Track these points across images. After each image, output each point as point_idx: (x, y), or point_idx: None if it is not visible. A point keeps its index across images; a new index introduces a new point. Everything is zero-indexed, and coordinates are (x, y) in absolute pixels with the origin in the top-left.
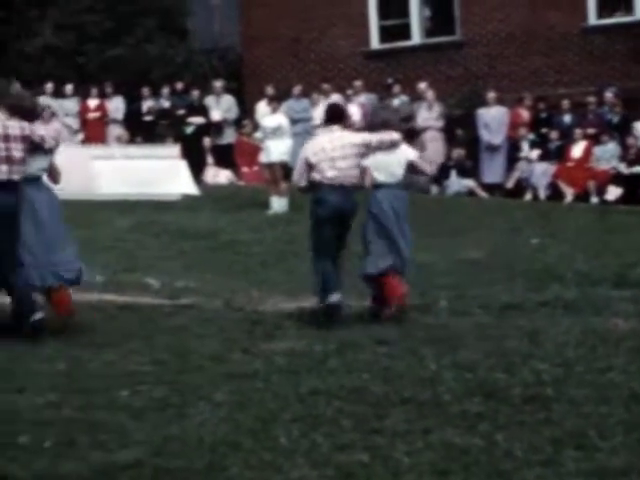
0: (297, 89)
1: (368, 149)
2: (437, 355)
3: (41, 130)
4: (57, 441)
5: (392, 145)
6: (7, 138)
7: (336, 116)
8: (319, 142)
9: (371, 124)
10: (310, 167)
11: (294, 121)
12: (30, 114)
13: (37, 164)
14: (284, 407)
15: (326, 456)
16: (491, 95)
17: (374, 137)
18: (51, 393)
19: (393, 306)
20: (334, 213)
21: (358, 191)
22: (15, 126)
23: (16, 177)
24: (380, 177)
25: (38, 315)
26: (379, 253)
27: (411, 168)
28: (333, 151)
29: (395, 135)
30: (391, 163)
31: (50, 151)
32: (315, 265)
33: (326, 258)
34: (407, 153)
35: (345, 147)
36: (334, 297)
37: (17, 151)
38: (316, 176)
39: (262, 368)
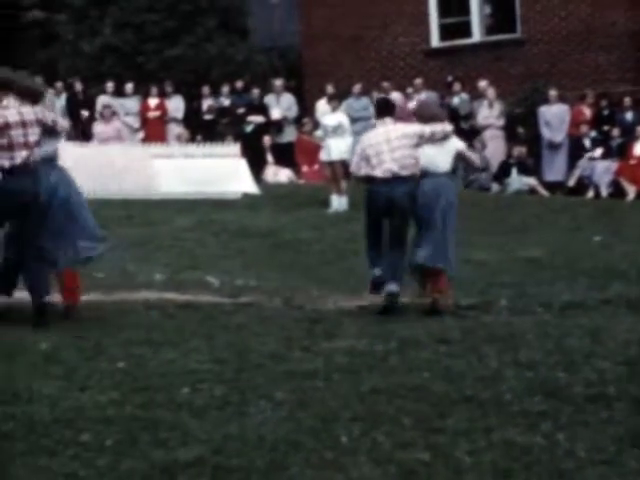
0: (357, 87)
1: (421, 140)
2: (498, 353)
3: (51, 114)
4: (119, 439)
5: (444, 136)
6: (24, 124)
7: (386, 109)
8: (375, 134)
9: (420, 116)
10: (366, 158)
11: (354, 119)
12: (38, 97)
13: (50, 147)
14: (345, 406)
15: (387, 455)
16: (552, 93)
17: (427, 128)
18: (113, 391)
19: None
20: (386, 204)
21: (412, 181)
22: (29, 111)
23: (34, 161)
24: (430, 167)
25: (47, 298)
26: (421, 244)
27: (460, 159)
28: (388, 143)
29: (447, 126)
30: (439, 154)
31: (61, 134)
32: (367, 253)
33: (376, 247)
34: (456, 144)
35: (399, 138)
36: (376, 270)
37: (34, 136)
38: (370, 169)
39: (322, 367)
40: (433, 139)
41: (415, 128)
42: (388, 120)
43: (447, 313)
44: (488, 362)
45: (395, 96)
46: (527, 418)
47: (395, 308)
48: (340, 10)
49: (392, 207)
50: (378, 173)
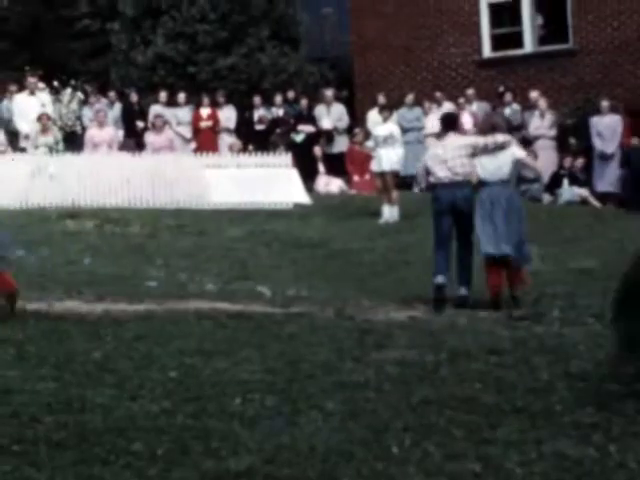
0: (409, 98)
1: (475, 150)
2: (549, 365)
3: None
4: (170, 448)
5: (500, 147)
6: None
7: (450, 124)
8: (435, 148)
9: (482, 128)
10: (427, 171)
11: (405, 130)
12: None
13: None
14: (396, 416)
15: (438, 465)
16: (604, 103)
17: (481, 139)
18: (165, 400)
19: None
20: (446, 207)
21: (469, 186)
22: None
23: None
24: (486, 176)
25: None
26: (487, 237)
27: (521, 166)
28: (445, 154)
29: (501, 137)
30: (497, 163)
31: None
32: (434, 254)
33: (442, 247)
34: (516, 152)
35: (455, 149)
36: (439, 278)
37: None
38: (431, 178)
39: (373, 377)
40: (487, 150)
41: (469, 139)
42: (450, 134)
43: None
44: (539, 373)
45: (447, 106)
46: (578, 429)
47: (442, 300)
48: (392, 20)
49: (455, 210)
50: (437, 180)
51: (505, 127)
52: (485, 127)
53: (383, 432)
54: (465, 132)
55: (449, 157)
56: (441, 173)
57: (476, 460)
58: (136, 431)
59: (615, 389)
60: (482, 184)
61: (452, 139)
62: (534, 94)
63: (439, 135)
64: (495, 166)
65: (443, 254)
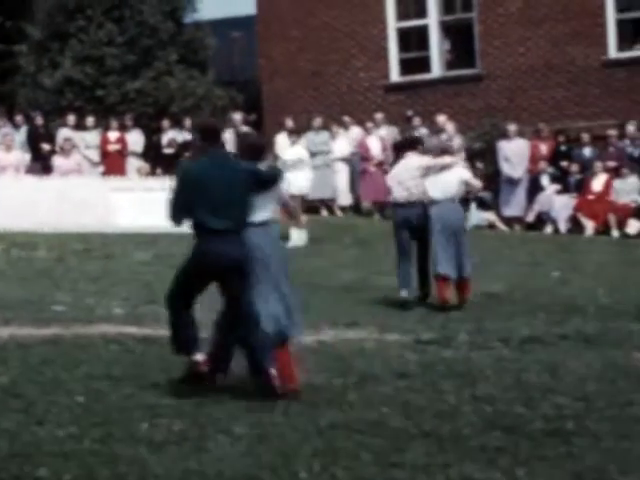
0: (317, 122)
1: (428, 170)
2: (457, 389)
3: None
4: (77, 474)
5: (444, 168)
6: None
7: (409, 145)
8: (397, 168)
9: (429, 150)
10: (389, 188)
11: (313, 154)
12: None
13: None
14: (304, 441)
15: None
16: (511, 128)
17: (432, 161)
18: (71, 425)
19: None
20: (402, 223)
21: (423, 204)
22: None
23: None
24: (436, 194)
25: None
26: (444, 259)
27: (466, 186)
28: (403, 174)
29: (449, 159)
30: (445, 182)
31: None
32: (397, 268)
33: (403, 261)
34: (463, 173)
35: (410, 170)
36: (403, 292)
37: None
38: (391, 195)
39: (281, 401)
40: (435, 171)
41: (423, 161)
42: (410, 154)
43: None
44: (447, 397)
45: (355, 131)
46: (485, 453)
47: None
48: (300, 45)
49: (410, 226)
50: (396, 198)
51: (452, 149)
52: (434, 150)
53: (291, 457)
54: (372, 158)
55: (405, 178)
56: (397, 193)
57: None
58: (42, 456)
59: (522, 412)
60: (432, 202)
61: (410, 160)
62: (442, 118)
63: (397, 157)
64: (444, 185)
65: (405, 268)
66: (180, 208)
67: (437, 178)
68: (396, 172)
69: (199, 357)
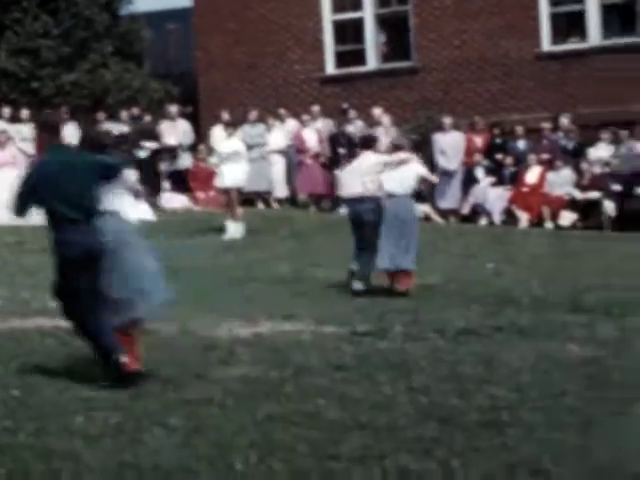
0: (253, 114)
1: (386, 166)
2: (392, 380)
3: None
4: (11, 468)
5: (403, 163)
6: None
7: (367, 144)
8: (352, 164)
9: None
10: (341, 184)
11: (249, 146)
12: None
13: None
14: (240, 433)
15: None
16: (447, 121)
17: (389, 157)
18: (6, 419)
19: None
20: (355, 218)
21: (377, 200)
22: None
23: None
24: (393, 188)
25: None
26: (387, 253)
27: (421, 180)
28: (357, 170)
29: (404, 155)
30: (401, 177)
31: None
32: (354, 256)
33: (356, 251)
34: (419, 169)
35: (368, 166)
36: (355, 285)
37: None
38: (342, 190)
39: (217, 394)
40: (392, 166)
41: (380, 158)
42: (367, 152)
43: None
44: (382, 388)
45: (291, 123)
46: (421, 444)
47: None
48: (236, 37)
49: (361, 221)
50: (348, 194)
51: (408, 145)
52: (390, 147)
53: (227, 448)
54: (308, 150)
55: (362, 174)
56: (351, 189)
57: (320, 476)
58: None
59: (457, 403)
60: (388, 196)
61: (366, 156)
62: (377, 111)
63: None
64: (400, 180)
65: (357, 258)
66: (23, 201)
67: (394, 173)
68: (351, 169)
69: (123, 358)
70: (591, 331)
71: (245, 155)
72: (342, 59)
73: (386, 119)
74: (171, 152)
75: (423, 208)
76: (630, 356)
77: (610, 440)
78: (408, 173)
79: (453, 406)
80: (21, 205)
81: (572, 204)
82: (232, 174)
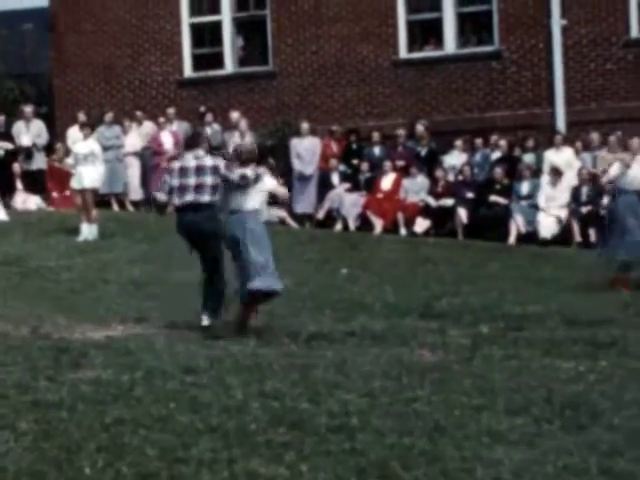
0: (109, 116)
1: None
2: (244, 384)
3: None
4: None
5: (250, 182)
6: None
7: (194, 141)
8: (181, 164)
9: (237, 157)
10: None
11: (105, 148)
12: None
13: None
14: (89, 436)
15: None
16: (304, 126)
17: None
18: None
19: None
20: (186, 230)
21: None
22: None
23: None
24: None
25: None
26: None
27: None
28: (188, 172)
29: (256, 171)
30: (246, 194)
31: None
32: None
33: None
34: (266, 183)
35: (198, 169)
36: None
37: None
38: (174, 196)
39: (67, 397)
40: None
41: (216, 162)
42: (198, 151)
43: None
44: (234, 392)
45: (148, 125)
46: (271, 449)
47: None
48: (93, 38)
49: (195, 234)
50: (179, 201)
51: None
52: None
53: (76, 452)
54: (164, 152)
55: (192, 175)
56: (183, 193)
57: (169, 479)
58: None
59: (308, 408)
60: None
61: (197, 157)
62: (235, 114)
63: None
64: (247, 196)
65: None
66: None
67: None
68: (179, 167)
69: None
70: (442, 337)
71: (101, 156)
72: (200, 62)
73: (243, 123)
74: (26, 152)
75: (278, 212)
76: (479, 363)
77: (457, 445)
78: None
79: (304, 410)
80: None
81: (426, 211)
82: (88, 175)
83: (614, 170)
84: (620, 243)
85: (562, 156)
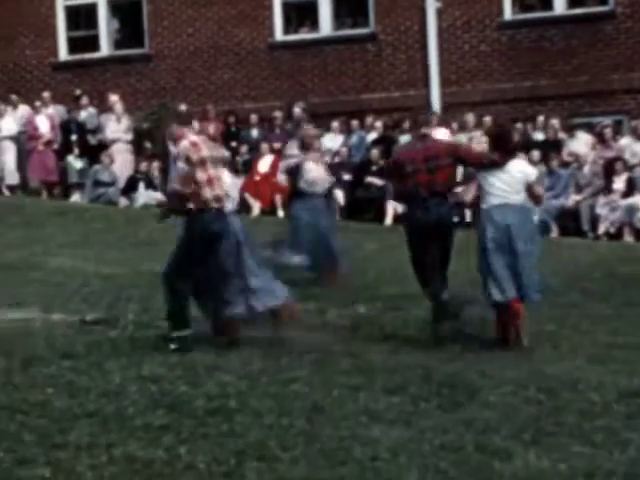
0: None
1: None
2: (122, 368)
3: None
4: None
5: None
6: None
7: None
8: None
9: None
10: None
11: None
12: None
13: None
14: None
15: (7, 471)
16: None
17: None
18: None
19: None
20: None
21: None
22: None
23: None
24: None
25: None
26: None
27: None
28: None
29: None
30: None
31: None
32: None
33: None
34: None
35: None
36: None
37: None
38: None
39: None
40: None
41: None
42: None
43: None
44: (112, 377)
45: (23, 108)
46: (149, 432)
47: None
48: None
49: None
50: None
51: None
52: None
53: None
54: (40, 136)
55: None
56: None
57: (46, 465)
58: None
59: (186, 390)
60: None
61: None
62: (114, 97)
63: None
64: None
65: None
66: None
67: None
68: None
69: None
70: (321, 318)
71: None
72: (75, 45)
73: (119, 106)
74: None
75: (156, 195)
76: (358, 343)
77: (335, 425)
78: None
79: (182, 393)
80: None
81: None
82: None
83: None
84: None
85: (438, 137)
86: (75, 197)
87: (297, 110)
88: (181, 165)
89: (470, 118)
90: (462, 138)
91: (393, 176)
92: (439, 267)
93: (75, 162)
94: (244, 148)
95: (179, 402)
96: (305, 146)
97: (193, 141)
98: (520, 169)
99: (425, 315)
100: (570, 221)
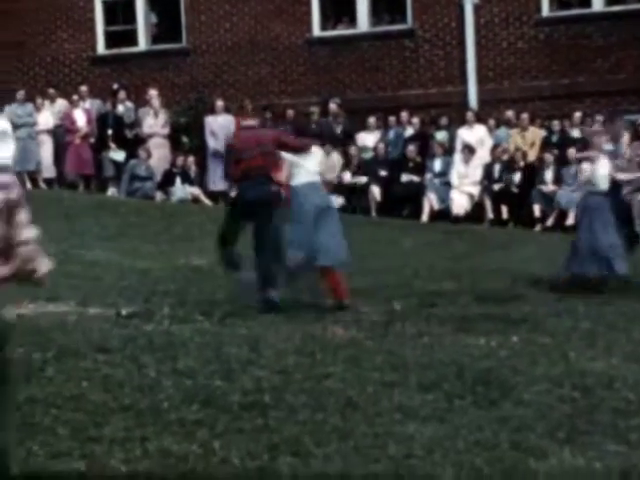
0: (20, 93)
1: None
2: (157, 362)
3: None
4: None
5: None
6: None
7: None
8: None
9: None
10: None
11: (17, 126)
12: None
13: None
14: None
15: (42, 465)
16: (219, 103)
17: None
18: None
19: None
20: None
21: None
22: None
23: None
24: None
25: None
26: None
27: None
28: None
29: None
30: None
31: None
32: None
33: None
34: None
35: None
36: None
37: None
38: None
39: None
40: None
41: None
42: None
43: None
44: (147, 371)
45: (60, 102)
46: (184, 427)
47: None
48: (3, 15)
49: None
50: None
51: None
52: None
53: None
54: (77, 130)
55: None
56: None
57: (80, 458)
58: None
59: (221, 385)
60: None
61: None
62: (148, 92)
63: None
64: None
65: None
66: None
67: None
68: None
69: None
70: (355, 314)
71: (11, 134)
72: (113, 39)
73: (156, 101)
74: None
75: (192, 190)
76: (392, 339)
77: (369, 422)
78: None
79: (217, 388)
80: None
81: (339, 188)
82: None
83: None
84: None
85: (474, 134)
86: (111, 191)
87: (333, 106)
88: None
89: (510, 114)
90: (501, 135)
91: None
92: None
93: (116, 154)
94: None
95: (214, 397)
96: None
97: None
98: None
99: (460, 312)
100: None
